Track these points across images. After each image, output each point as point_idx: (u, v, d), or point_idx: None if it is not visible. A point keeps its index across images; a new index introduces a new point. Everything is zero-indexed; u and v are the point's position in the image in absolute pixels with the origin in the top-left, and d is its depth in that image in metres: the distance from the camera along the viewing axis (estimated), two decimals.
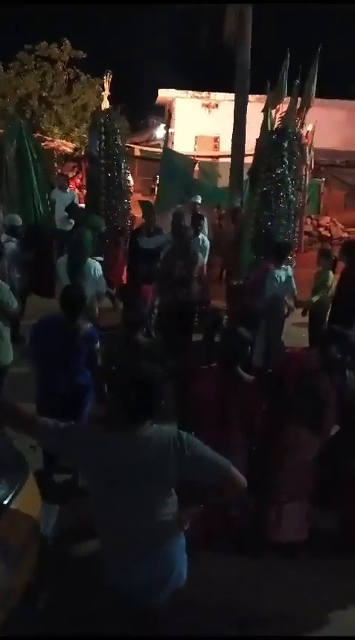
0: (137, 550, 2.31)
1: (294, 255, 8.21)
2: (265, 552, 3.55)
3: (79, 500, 3.24)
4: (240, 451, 3.36)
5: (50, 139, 17.79)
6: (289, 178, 8.03)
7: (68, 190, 10.29)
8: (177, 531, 2.36)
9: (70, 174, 15.83)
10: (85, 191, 10.51)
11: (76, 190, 12.83)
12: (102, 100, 9.74)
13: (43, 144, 15.06)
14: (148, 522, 2.28)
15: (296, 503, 3.55)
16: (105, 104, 9.24)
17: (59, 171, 15.14)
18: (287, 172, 7.98)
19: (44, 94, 18.78)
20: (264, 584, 3.36)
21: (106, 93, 9.50)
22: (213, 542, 3.41)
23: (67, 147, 18.07)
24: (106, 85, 9.61)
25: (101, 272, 5.62)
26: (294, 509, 3.55)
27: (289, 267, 6.19)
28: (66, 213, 8.96)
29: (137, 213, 9.37)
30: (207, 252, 7.84)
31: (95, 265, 5.58)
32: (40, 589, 2.76)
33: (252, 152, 10.07)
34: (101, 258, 6.66)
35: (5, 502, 2.54)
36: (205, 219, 9.06)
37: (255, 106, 11.99)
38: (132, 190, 9.87)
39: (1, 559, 2.39)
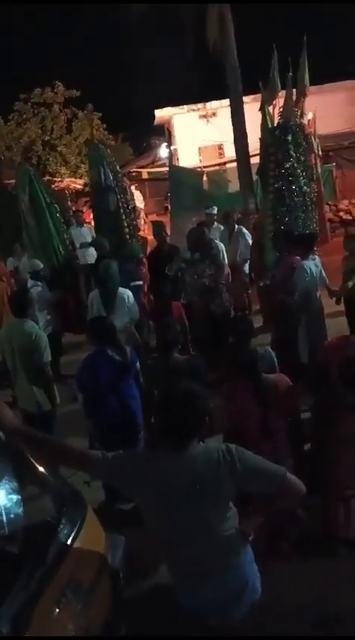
0: (204, 568, 2.27)
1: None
2: (337, 550, 3.44)
3: (143, 527, 3.24)
4: (291, 456, 3.29)
5: (59, 179, 18.22)
6: (299, 170, 7.96)
7: (84, 225, 10.51)
8: (242, 544, 2.32)
9: (84, 209, 16.13)
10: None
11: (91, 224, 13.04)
12: (97, 132, 9.93)
13: (53, 185, 15.43)
14: (211, 539, 2.25)
15: None
16: (91, 135, 9.41)
17: (74, 208, 15.45)
18: (296, 165, 7.92)
19: (46, 138, 19.30)
20: (339, 582, 3.25)
21: (88, 125, 9.67)
22: (281, 549, 3.33)
23: (77, 184, 18.48)
24: (85, 119, 9.76)
25: (133, 299, 5.75)
26: None
27: (317, 257, 6.08)
28: (87, 248, 9.09)
29: (150, 234, 9.40)
30: (225, 256, 7.71)
31: (127, 293, 5.73)
32: (118, 621, 2.74)
33: (257, 152, 10.04)
34: (140, 283, 6.75)
35: (68, 541, 2.54)
36: (215, 223, 8.92)
37: (253, 107, 11.99)
38: (143, 213, 9.92)
39: (74, 599, 2.38)
